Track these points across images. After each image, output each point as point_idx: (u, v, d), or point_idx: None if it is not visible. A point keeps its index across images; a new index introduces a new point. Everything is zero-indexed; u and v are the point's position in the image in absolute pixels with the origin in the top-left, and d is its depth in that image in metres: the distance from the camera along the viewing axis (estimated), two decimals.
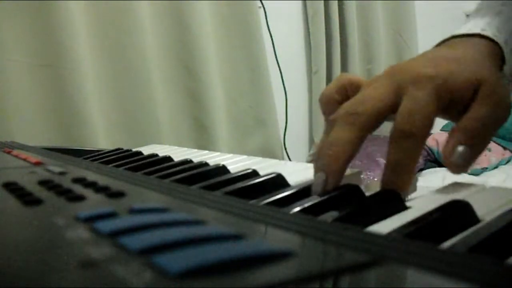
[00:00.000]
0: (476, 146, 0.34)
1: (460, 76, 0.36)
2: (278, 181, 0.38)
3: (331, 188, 0.33)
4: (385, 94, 0.35)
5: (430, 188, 0.36)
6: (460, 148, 0.33)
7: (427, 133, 0.34)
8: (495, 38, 0.44)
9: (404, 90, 0.35)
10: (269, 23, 1.75)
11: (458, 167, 0.34)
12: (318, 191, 0.33)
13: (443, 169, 1.74)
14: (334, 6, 1.94)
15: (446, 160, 0.34)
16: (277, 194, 0.33)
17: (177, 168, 0.47)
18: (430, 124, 0.34)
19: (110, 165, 0.49)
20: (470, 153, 0.34)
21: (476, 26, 0.46)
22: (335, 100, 0.42)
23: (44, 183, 0.31)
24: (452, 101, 0.35)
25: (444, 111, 0.36)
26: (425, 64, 0.36)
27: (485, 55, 0.42)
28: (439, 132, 1.98)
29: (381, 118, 0.35)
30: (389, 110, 0.35)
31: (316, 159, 0.36)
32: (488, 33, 0.44)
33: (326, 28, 1.93)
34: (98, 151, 0.69)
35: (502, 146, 1.97)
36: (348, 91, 0.41)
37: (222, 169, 0.45)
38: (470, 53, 0.40)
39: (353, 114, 0.35)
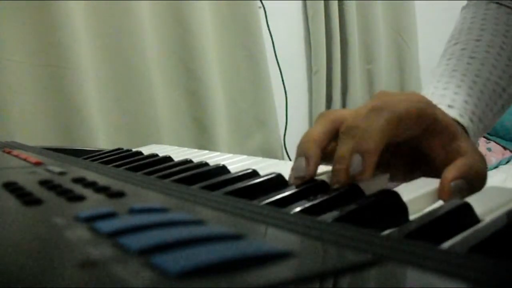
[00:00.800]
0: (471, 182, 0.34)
1: (443, 115, 0.37)
2: (278, 181, 0.38)
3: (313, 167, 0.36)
4: (368, 103, 0.38)
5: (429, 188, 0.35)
6: (459, 181, 0.34)
7: (400, 117, 0.35)
8: (460, 120, 0.46)
9: None
10: (269, 23, 1.75)
11: (449, 193, 0.33)
12: (300, 172, 0.36)
13: None
14: (334, 6, 1.93)
15: (446, 185, 0.34)
16: (277, 194, 0.33)
17: (177, 168, 0.47)
18: (405, 113, 0.35)
19: (110, 165, 0.49)
20: (466, 187, 0.34)
21: (444, 96, 0.48)
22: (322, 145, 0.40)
23: (44, 183, 0.31)
24: (434, 130, 0.37)
25: (424, 138, 0.37)
26: (411, 92, 0.39)
27: None
28: None
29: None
30: None
31: (298, 153, 0.38)
32: (454, 112, 0.46)
33: (326, 28, 1.92)
34: (98, 151, 0.69)
35: (502, 146, 1.97)
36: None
37: (222, 169, 0.45)
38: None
39: (354, 128, 0.36)
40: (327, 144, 0.38)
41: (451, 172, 0.34)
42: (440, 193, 0.33)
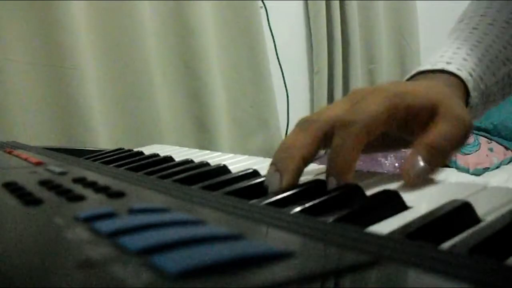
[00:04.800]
0: (436, 161, 0.35)
1: (417, 96, 0.37)
2: None
3: (285, 186, 0.35)
4: (340, 106, 0.38)
5: (430, 188, 0.35)
6: (421, 165, 0.34)
7: (369, 126, 0.35)
8: (458, 73, 0.46)
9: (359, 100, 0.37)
10: (270, 23, 1.75)
11: (414, 182, 0.34)
12: (274, 189, 0.35)
13: (444, 169, 1.73)
14: (336, 6, 1.93)
15: (405, 174, 0.35)
16: (277, 194, 0.33)
17: (178, 168, 0.47)
18: (372, 118, 0.35)
19: (111, 165, 0.49)
20: (429, 169, 0.35)
21: (443, 56, 0.48)
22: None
23: (44, 183, 0.31)
24: (408, 118, 0.37)
25: (401, 128, 0.38)
26: (384, 85, 0.39)
27: (448, 86, 0.43)
28: None
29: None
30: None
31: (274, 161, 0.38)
32: (452, 67, 0.46)
33: (327, 28, 1.92)
34: (99, 151, 0.69)
35: (504, 146, 1.97)
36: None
37: (223, 169, 0.45)
38: (431, 84, 0.42)
39: (307, 121, 0.38)
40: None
41: (417, 151, 0.35)
42: (403, 173, 0.35)
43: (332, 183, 0.34)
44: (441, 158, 0.35)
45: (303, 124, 0.38)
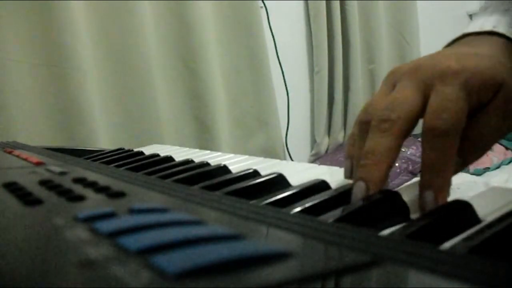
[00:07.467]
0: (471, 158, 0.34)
1: (486, 72, 0.34)
2: (279, 181, 0.38)
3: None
4: (413, 96, 0.34)
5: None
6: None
7: (459, 129, 0.32)
8: (508, 34, 0.42)
9: (431, 87, 0.34)
10: (271, 23, 1.75)
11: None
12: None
13: None
14: (336, 5, 1.93)
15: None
16: (278, 194, 0.33)
17: (178, 168, 0.46)
18: (461, 120, 0.32)
19: (111, 165, 0.49)
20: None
21: (486, 23, 0.44)
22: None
23: (44, 183, 0.31)
24: (478, 98, 0.34)
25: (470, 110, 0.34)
26: (448, 59, 0.35)
27: (501, 52, 0.40)
28: None
29: (415, 120, 0.34)
30: (420, 111, 0.34)
31: (347, 161, 0.36)
32: (500, 29, 0.43)
33: (328, 28, 1.92)
34: (99, 151, 0.69)
35: (504, 146, 1.97)
36: None
37: (223, 169, 0.45)
38: (487, 50, 0.39)
39: (387, 121, 0.34)
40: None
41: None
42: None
43: (430, 198, 0.31)
44: (476, 154, 0.34)
45: (382, 124, 0.34)
